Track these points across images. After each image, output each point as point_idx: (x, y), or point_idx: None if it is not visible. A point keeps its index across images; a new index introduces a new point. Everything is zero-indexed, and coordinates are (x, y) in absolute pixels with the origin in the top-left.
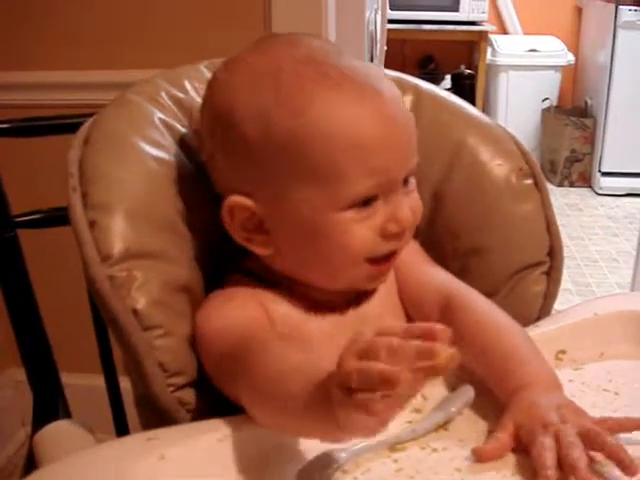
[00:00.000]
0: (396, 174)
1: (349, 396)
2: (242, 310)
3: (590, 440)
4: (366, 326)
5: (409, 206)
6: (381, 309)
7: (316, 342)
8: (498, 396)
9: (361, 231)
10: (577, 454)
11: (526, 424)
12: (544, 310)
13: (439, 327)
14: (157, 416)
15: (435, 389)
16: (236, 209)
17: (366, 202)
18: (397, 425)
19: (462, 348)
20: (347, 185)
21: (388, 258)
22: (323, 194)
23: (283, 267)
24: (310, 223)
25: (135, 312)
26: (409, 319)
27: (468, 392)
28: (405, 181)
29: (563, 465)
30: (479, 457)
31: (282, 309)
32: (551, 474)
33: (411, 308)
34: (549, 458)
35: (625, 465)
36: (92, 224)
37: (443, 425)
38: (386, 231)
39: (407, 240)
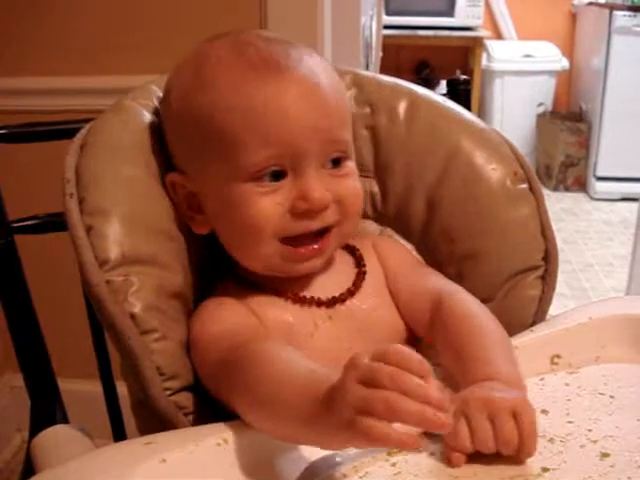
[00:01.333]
0: (302, 147)
1: (355, 420)
2: (236, 315)
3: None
4: (355, 321)
5: (325, 187)
6: (370, 304)
7: (307, 338)
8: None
9: (264, 203)
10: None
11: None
12: (539, 314)
13: (435, 396)
14: (154, 420)
15: None
16: (176, 186)
17: (273, 177)
18: None
19: (442, 346)
20: (246, 155)
21: (308, 241)
22: (227, 165)
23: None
24: (221, 196)
25: (132, 316)
26: (401, 315)
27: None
28: (335, 162)
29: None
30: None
31: (271, 312)
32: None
33: (404, 309)
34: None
35: None
36: (89, 229)
37: None
38: (295, 208)
39: (345, 227)
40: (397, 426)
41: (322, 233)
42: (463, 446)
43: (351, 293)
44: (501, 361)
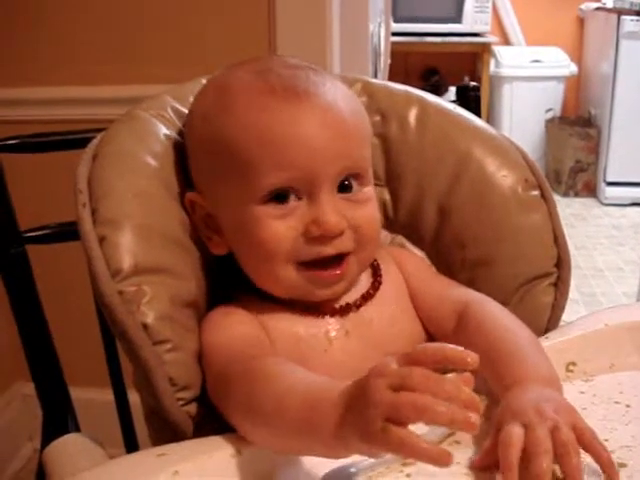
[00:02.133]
0: (317, 172)
1: (386, 429)
2: (243, 326)
3: (558, 437)
4: (372, 334)
5: (341, 213)
6: (388, 313)
7: (321, 354)
8: (497, 395)
9: (276, 226)
10: (541, 453)
11: (501, 417)
12: (552, 321)
13: (472, 356)
14: (167, 430)
15: None
16: (195, 206)
17: (287, 200)
18: None
19: (471, 350)
20: (260, 177)
21: (330, 266)
22: (242, 187)
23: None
24: (236, 218)
25: (145, 326)
26: (424, 322)
27: None
28: (351, 187)
29: (526, 461)
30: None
31: (282, 325)
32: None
33: (428, 316)
34: (511, 455)
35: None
36: (102, 240)
37: (449, 435)
38: (308, 233)
39: (363, 255)
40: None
41: (340, 258)
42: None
43: (365, 299)
44: (536, 359)
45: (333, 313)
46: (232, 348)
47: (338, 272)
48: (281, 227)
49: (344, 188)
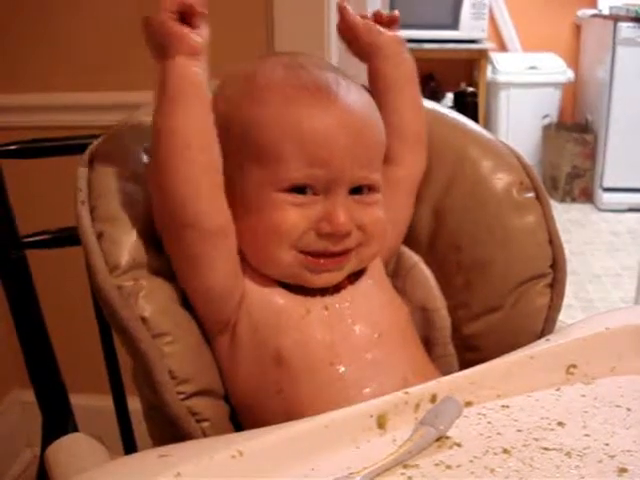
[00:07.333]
0: (337, 172)
1: None
2: None
3: None
4: (351, 305)
5: (350, 214)
6: (369, 290)
7: (299, 321)
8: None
9: (292, 212)
10: None
11: None
12: (548, 322)
13: None
14: (167, 427)
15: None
16: None
17: (306, 193)
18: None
19: None
20: (287, 169)
21: (330, 256)
22: (265, 173)
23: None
24: (252, 198)
25: (144, 319)
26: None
27: (457, 406)
28: (359, 190)
29: None
30: None
31: (264, 292)
32: None
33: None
34: None
35: None
36: (100, 235)
37: (439, 440)
38: (319, 229)
39: (364, 250)
40: None
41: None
42: None
43: (348, 280)
44: None
45: (315, 292)
46: None
47: (338, 260)
48: (296, 214)
49: (356, 190)
